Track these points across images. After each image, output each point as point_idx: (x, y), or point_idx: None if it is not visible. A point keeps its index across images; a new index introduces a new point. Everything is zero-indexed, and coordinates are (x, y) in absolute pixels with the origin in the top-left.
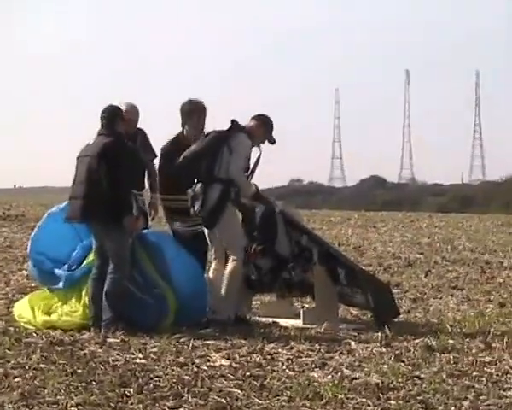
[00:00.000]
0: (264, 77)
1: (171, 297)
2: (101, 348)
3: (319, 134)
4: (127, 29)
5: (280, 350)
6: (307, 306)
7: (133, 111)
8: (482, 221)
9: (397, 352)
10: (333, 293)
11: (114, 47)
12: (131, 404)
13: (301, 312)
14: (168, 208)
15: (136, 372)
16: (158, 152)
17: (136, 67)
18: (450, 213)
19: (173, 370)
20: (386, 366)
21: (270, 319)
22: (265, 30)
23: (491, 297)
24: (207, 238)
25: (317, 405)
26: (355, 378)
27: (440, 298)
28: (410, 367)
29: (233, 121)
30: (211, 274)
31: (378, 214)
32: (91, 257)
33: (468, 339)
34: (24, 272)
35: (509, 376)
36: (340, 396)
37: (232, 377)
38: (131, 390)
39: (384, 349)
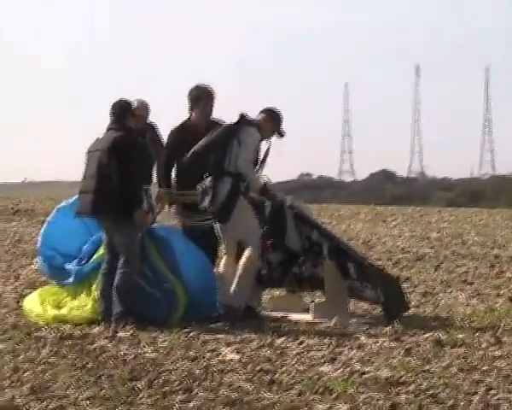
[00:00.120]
0: (263, 77)
1: (181, 291)
2: (110, 342)
3: (329, 129)
4: (127, 29)
5: (290, 345)
6: (317, 300)
7: (143, 107)
8: (492, 216)
9: (407, 346)
10: (343, 287)
11: (114, 47)
12: (141, 398)
13: (311, 306)
14: (179, 203)
15: (146, 367)
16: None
17: (137, 67)
18: (459, 208)
19: (183, 364)
20: (396, 361)
21: (280, 314)
22: (265, 30)
23: (501, 292)
24: (218, 233)
25: (326, 399)
26: (365, 373)
27: (450, 293)
28: (419, 362)
29: (242, 115)
30: (221, 269)
31: (387, 209)
32: (101, 251)
33: (477, 333)
34: (33, 266)
35: None
36: (349, 391)
37: (242, 371)
38: (141, 384)
39: (394, 344)
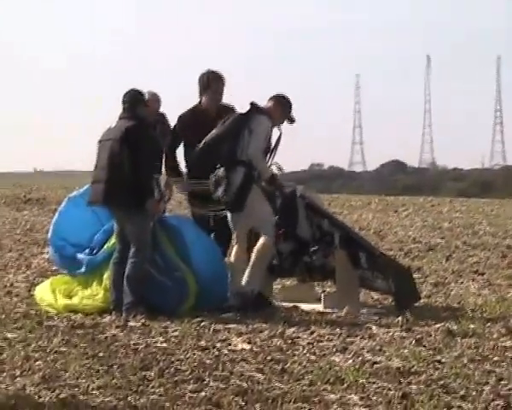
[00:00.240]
0: (263, 77)
1: (192, 280)
2: (122, 331)
3: (340, 119)
4: (127, 29)
5: (301, 334)
6: (328, 290)
7: (154, 99)
8: (503, 206)
9: (418, 336)
10: (354, 277)
11: (114, 47)
12: (152, 387)
13: (322, 296)
14: (190, 193)
15: (158, 356)
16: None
17: (137, 67)
18: (470, 198)
19: (194, 354)
20: (407, 351)
21: (291, 304)
22: (265, 30)
23: None
24: (230, 222)
25: (338, 389)
26: (376, 363)
27: (461, 283)
28: (431, 352)
29: (252, 103)
30: (232, 258)
31: (398, 199)
32: (113, 241)
33: (489, 324)
34: (45, 255)
35: None
36: (361, 381)
37: (253, 361)
38: (152, 374)
39: (405, 334)
